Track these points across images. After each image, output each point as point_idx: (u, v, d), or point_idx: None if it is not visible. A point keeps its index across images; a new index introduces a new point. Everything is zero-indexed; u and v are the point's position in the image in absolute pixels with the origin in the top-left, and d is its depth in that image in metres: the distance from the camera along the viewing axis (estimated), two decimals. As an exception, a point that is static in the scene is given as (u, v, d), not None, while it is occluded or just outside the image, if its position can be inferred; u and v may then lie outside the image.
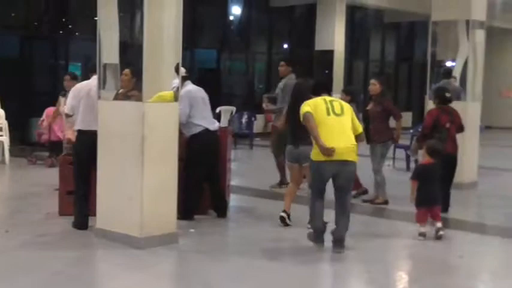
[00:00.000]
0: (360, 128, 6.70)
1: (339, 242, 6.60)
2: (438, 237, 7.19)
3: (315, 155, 6.51)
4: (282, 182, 9.89)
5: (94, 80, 7.18)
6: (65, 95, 9.56)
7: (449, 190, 8.52)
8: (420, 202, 7.26)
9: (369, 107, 9.18)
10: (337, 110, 6.52)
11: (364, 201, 9.18)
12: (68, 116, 7.79)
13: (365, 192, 9.51)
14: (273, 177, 10.07)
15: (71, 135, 9.46)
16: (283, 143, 8.12)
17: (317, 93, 6.87)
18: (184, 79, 7.50)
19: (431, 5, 11.38)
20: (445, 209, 8.23)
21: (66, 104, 7.59)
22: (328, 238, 6.75)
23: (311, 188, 6.82)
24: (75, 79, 9.70)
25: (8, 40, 15.69)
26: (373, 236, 7.50)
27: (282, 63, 9.92)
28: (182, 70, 7.08)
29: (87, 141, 7.06)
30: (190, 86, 7.89)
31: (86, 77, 8.59)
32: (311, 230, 6.85)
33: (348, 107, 6.68)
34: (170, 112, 6.74)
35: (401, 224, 8.13)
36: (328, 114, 6.48)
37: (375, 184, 9.13)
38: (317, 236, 6.75)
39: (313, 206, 6.72)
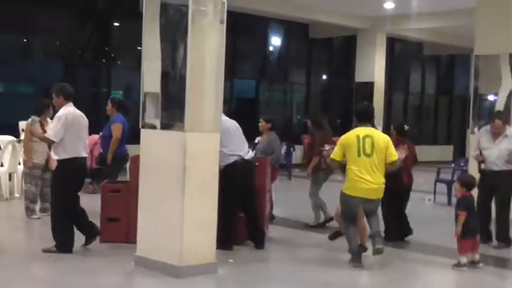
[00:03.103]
0: (393, 157, 7.17)
1: (376, 237, 7.15)
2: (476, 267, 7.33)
3: (345, 188, 7.22)
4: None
5: (71, 106, 7.39)
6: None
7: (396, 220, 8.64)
8: (466, 233, 7.31)
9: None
10: (368, 149, 7.02)
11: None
12: (53, 143, 7.38)
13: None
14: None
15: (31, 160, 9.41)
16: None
17: (360, 121, 7.27)
18: None
19: (474, 39, 11.34)
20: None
21: (54, 131, 7.23)
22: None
23: (342, 217, 7.45)
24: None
25: (51, 68, 16.07)
26: (409, 269, 7.47)
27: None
28: None
29: (81, 168, 7.41)
30: (223, 117, 7.80)
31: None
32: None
33: (380, 141, 7.10)
34: (211, 142, 6.78)
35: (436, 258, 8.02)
36: (359, 155, 7.03)
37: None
38: (354, 257, 7.24)
39: (347, 231, 7.34)
